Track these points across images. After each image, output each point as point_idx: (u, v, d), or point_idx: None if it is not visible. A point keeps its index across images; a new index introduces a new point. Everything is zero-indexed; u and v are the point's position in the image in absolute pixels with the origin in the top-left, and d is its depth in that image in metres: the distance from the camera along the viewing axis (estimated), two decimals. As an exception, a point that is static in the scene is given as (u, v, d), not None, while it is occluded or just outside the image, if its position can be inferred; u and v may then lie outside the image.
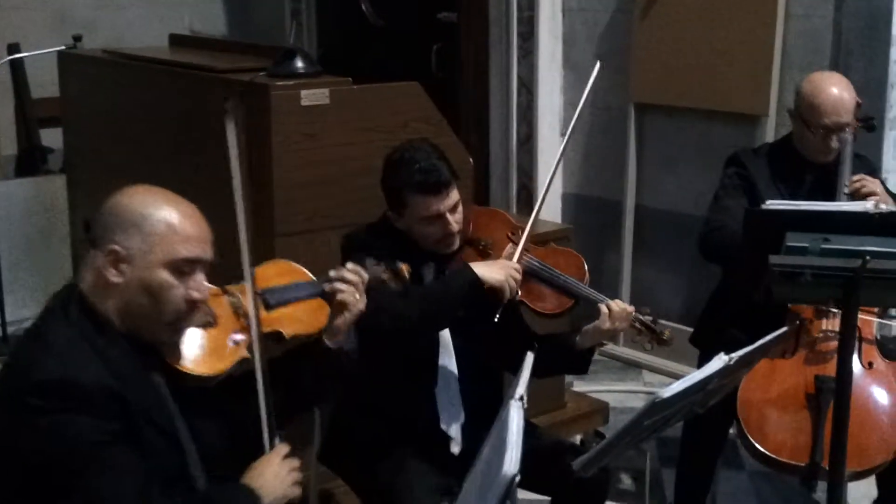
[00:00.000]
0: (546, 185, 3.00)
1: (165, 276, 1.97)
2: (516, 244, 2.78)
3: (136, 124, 3.96)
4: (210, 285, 2.13)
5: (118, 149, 4.11)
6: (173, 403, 2.05)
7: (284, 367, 2.24)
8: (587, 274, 2.79)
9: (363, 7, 5.85)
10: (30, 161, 5.74)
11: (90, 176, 4.32)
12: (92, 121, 4.35)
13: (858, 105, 3.22)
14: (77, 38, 4.81)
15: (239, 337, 2.16)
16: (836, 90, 3.15)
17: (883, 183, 3.26)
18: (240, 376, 2.16)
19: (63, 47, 4.56)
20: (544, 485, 2.70)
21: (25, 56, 5.33)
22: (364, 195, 3.13)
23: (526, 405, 1.82)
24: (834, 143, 3.15)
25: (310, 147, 3.19)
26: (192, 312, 2.03)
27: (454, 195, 2.65)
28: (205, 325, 2.11)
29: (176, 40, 4.66)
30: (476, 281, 2.56)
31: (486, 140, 5.21)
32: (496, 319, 2.52)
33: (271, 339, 2.24)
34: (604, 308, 2.69)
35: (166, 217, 1.97)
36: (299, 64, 3.29)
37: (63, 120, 4.69)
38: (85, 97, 4.41)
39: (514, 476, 1.62)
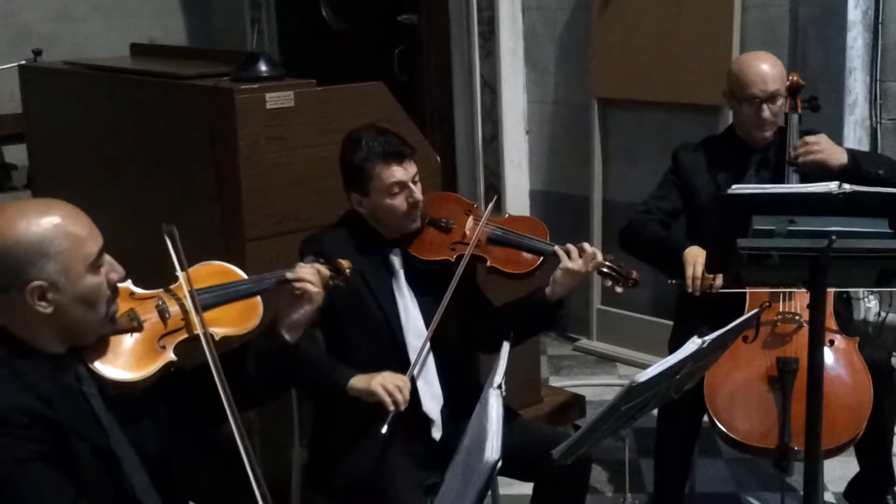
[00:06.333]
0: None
1: (91, 279, 1.99)
2: (476, 218, 2.89)
3: (100, 135, 3.93)
4: (145, 291, 2.17)
5: (83, 161, 4.09)
6: (107, 413, 2.03)
7: (226, 364, 2.19)
8: (548, 233, 2.89)
9: (323, 12, 5.84)
10: (-7, 179, 5.72)
11: (56, 190, 4.28)
12: (56, 134, 4.32)
13: (800, 84, 3.31)
14: (37, 52, 4.78)
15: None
16: (761, 62, 3.25)
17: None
18: (165, 377, 2.15)
19: (24, 62, 4.52)
20: (526, 471, 2.72)
21: (-16, 73, 5.30)
22: (333, 196, 3.13)
23: (504, 393, 1.84)
24: (766, 114, 3.21)
25: (276, 150, 3.19)
26: (116, 295, 2.06)
27: (414, 167, 2.77)
28: (130, 331, 2.10)
29: (138, 50, 4.65)
30: (342, 389, 2.60)
31: (451, 140, 5.22)
32: (383, 431, 2.53)
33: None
34: (561, 251, 2.77)
35: (61, 229, 1.96)
36: (263, 67, 3.29)
37: (26, 135, 4.66)
38: (48, 111, 4.38)
39: (496, 462, 1.64)
